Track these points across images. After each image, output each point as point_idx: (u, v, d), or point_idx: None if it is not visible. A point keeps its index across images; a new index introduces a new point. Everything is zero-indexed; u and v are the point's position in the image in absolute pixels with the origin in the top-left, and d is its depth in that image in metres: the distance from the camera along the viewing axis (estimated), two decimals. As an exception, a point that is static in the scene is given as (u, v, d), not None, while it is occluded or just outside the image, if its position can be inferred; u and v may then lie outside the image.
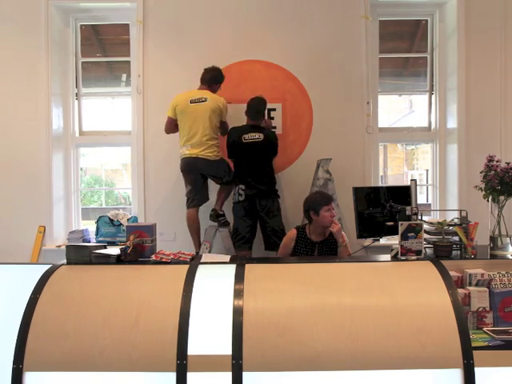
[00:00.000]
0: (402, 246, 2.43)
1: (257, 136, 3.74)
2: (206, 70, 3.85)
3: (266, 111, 4.06)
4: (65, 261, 2.41)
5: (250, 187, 3.71)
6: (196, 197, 3.76)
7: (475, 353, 1.96)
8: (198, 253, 3.64)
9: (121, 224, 4.19)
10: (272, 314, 2.03)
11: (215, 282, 2.22)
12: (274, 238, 3.69)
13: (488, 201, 2.70)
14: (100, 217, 4.25)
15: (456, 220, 2.79)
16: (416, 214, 2.60)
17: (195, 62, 4.16)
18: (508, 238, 2.64)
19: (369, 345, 1.96)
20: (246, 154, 3.74)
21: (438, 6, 4.34)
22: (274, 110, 4.17)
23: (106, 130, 4.49)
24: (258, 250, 3.90)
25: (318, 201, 3.14)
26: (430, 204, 4.57)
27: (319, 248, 3.17)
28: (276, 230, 3.72)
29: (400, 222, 2.45)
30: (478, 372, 1.94)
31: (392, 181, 5.79)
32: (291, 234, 3.24)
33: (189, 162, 3.70)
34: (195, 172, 3.73)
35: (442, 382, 1.98)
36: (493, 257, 2.60)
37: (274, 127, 4.15)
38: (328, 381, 1.94)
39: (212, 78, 3.83)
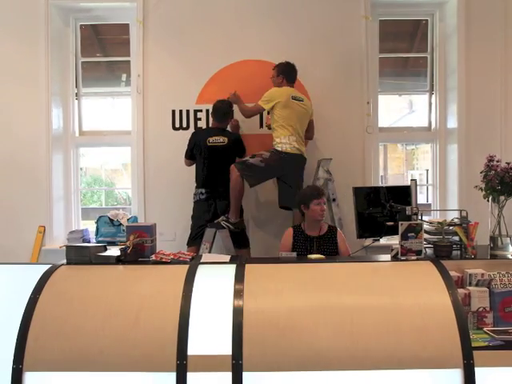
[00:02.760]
0: (402, 245, 2.43)
1: (221, 140, 3.77)
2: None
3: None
4: (65, 261, 2.41)
5: (211, 189, 3.74)
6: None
7: (475, 353, 1.96)
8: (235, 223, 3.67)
9: (121, 224, 4.18)
10: (272, 313, 2.03)
11: (215, 282, 2.22)
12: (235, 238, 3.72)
13: (488, 201, 2.70)
14: (100, 217, 4.25)
15: (456, 220, 2.79)
16: (416, 213, 2.60)
17: (195, 61, 4.17)
18: (508, 238, 2.64)
19: (369, 345, 1.96)
20: (210, 156, 3.75)
21: (438, 5, 4.33)
22: (274, 109, 4.17)
23: (106, 129, 4.49)
24: (259, 250, 3.91)
25: (308, 194, 3.17)
26: (430, 204, 4.57)
27: (317, 243, 3.18)
28: (235, 232, 3.70)
29: (400, 222, 2.45)
30: (478, 372, 1.94)
31: (392, 181, 5.80)
32: (288, 232, 3.26)
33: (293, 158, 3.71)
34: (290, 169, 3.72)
35: (442, 382, 1.98)
36: (493, 257, 2.60)
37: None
38: (328, 381, 1.94)
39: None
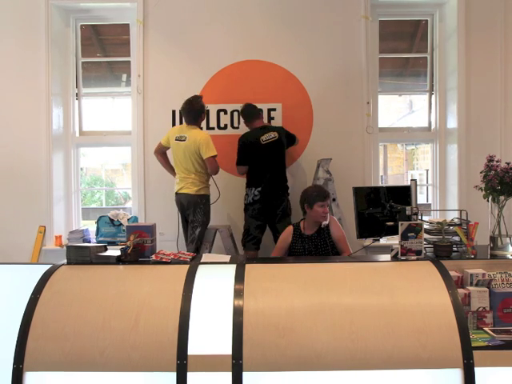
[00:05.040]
0: (402, 245, 2.43)
1: (272, 135, 3.80)
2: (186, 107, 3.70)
3: (266, 111, 4.10)
4: (65, 261, 2.41)
5: (268, 187, 3.73)
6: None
7: (475, 353, 1.96)
8: None
9: (121, 224, 4.19)
10: (272, 314, 2.03)
11: (215, 282, 2.22)
12: None
13: (488, 201, 2.70)
14: (100, 217, 4.25)
15: (456, 220, 2.79)
16: (416, 213, 2.60)
17: (195, 61, 4.17)
18: (508, 238, 2.64)
19: (369, 345, 1.96)
20: (266, 154, 3.76)
21: (437, 6, 4.34)
22: (274, 109, 4.17)
23: (106, 129, 4.49)
24: (263, 250, 3.91)
25: (314, 196, 3.17)
26: (430, 204, 4.57)
27: (312, 240, 3.19)
28: None
29: (400, 222, 2.45)
30: (478, 372, 1.94)
31: (392, 181, 5.80)
32: (288, 230, 3.28)
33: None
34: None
35: (442, 382, 1.98)
36: (493, 257, 2.60)
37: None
38: (328, 381, 1.94)
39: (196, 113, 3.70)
